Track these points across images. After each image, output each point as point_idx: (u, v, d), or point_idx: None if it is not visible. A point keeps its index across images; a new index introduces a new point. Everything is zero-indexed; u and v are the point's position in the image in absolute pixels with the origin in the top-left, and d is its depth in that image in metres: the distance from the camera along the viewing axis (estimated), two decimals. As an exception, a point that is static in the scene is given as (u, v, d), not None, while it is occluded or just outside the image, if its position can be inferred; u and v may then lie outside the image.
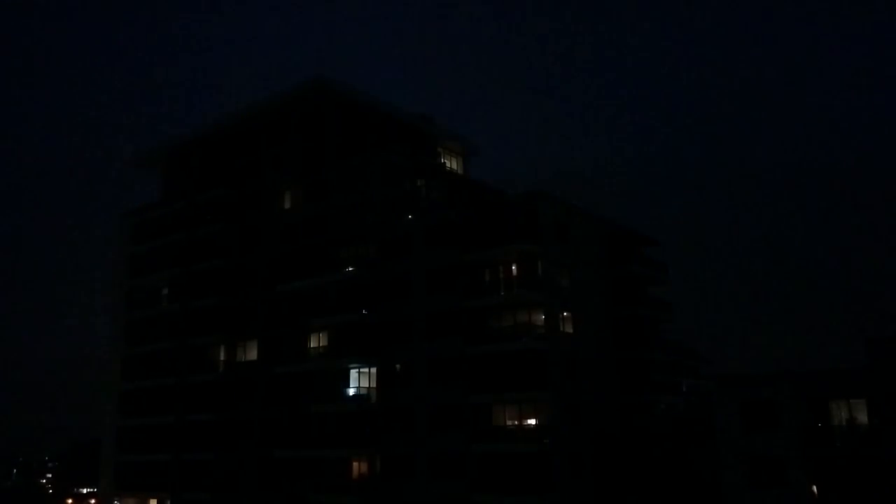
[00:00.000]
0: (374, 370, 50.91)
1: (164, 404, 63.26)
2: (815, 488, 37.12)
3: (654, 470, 43.14)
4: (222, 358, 60.61)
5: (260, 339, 58.15)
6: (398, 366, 49.56)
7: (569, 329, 46.36)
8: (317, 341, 54.30)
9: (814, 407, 37.92)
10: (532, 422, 43.24)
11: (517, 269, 45.98)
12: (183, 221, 66.28)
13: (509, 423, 44.09)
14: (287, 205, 59.72)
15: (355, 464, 50.13)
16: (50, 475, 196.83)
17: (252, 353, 58.67)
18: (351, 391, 51.27)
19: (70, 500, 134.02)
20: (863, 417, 36.74)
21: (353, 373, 51.82)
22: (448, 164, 63.85)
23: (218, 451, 57.93)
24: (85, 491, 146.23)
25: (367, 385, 51.01)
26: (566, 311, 46.42)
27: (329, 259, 54.40)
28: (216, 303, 61.25)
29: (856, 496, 35.93)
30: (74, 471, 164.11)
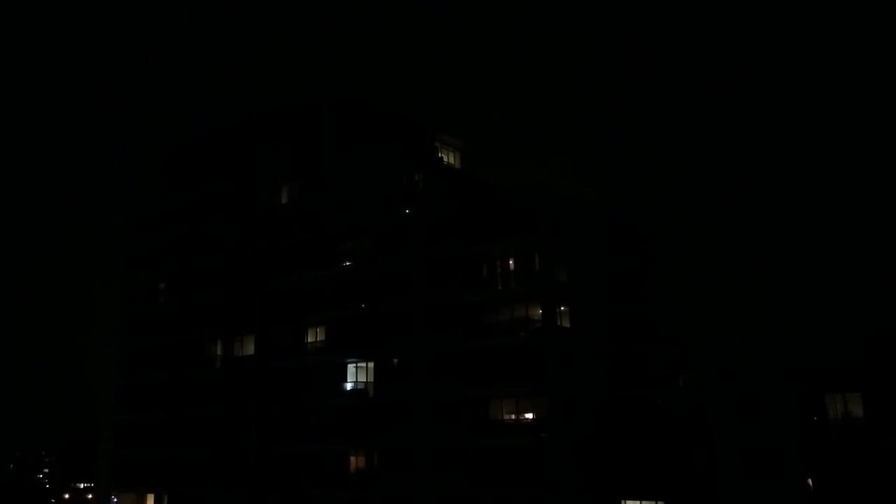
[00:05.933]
0: (371, 365, 51.00)
1: (162, 399, 63.26)
2: (810, 481, 37.36)
3: (651, 463, 43.29)
4: (219, 353, 60.61)
5: (257, 334, 58.17)
6: (396, 360, 49.65)
7: (566, 323, 46.45)
8: (314, 336, 54.38)
9: (809, 401, 38.16)
10: (529, 416, 43.39)
11: (515, 263, 46.05)
12: (180, 216, 66.17)
13: (507, 417, 44.25)
14: (284, 199, 59.68)
15: (353, 458, 50.26)
16: (47, 470, 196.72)
17: (249, 348, 58.70)
18: (348, 386, 51.36)
19: (67, 496, 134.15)
20: (858, 411, 37.01)
21: (351, 367, 51.91)
22: (446, 159, 63.85)
23: (215, 445, 57.98)
24: (82, 486, 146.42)
25: (365, 379, 51.10)
26: (563, 305, 46.49)
27: (326, 253, 54.42)
28: (213, 297, 61.19)
29: (851, 489, 36.17)
30: (71, 466, 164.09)
